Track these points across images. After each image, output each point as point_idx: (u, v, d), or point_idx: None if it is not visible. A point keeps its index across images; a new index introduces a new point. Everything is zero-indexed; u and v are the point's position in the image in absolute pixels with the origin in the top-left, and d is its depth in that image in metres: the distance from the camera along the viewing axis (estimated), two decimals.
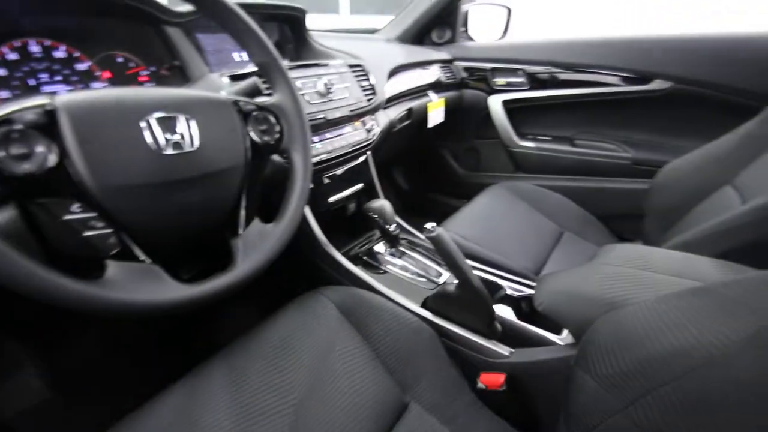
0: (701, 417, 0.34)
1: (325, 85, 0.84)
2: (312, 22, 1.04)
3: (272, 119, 0.55)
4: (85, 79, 0.65)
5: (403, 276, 0.87)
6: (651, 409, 0.39)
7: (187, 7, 0.73)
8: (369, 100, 0.96)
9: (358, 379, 0.56)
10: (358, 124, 0.97)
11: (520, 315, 0.74)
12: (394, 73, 1.17)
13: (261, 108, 0.54)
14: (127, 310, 0.38)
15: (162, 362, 0.98)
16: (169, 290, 0.42)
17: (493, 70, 1.43)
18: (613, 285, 0.54)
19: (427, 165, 1.74)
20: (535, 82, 1.37)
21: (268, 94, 0.58)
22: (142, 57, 0.72)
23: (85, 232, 0.38)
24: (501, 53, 1.43)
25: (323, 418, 0.51)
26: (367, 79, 0.99)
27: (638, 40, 1.21)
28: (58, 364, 0.89)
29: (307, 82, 0.82)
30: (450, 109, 1.41)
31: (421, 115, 1.29)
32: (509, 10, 1.49)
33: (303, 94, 0.80)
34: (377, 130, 1.02)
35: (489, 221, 1.07)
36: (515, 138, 1.43)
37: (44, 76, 0.61)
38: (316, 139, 0.84)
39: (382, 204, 0.90)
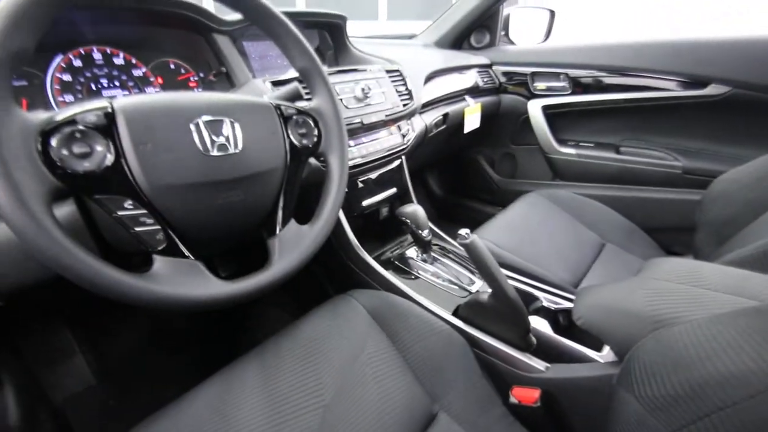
0: None
1: (363, 90, 0.85)
2: (350, 28, 1.06)
3: (311, 123, 0.56)
4: (141, 85, 0.70)
5: (435, 282, 0.86)
6: None
7: (235, 16, 0.77)
8: (405, 104, 0.96)
9: (386, 384, 0.56)
10: (393, 128, 0.97)
11: (556, 328, 0.71)
12: (430, 77, 1.16)
13: (301, 112, 0.55)
14: (172, 304, 0.40)
15: (199, 356, 1.02)
16: (211, 286, 0.43)
17: (534, 74, 1.39)
18: (661, 301, 0.50)
19: (462, 171, 1.72)
20: (577, 86, 1.32)
21: (308, 99, 0.59)
22: (192, 63, 0.76)
23: (136, 227, 0.40)
24: (542, 57, 1.39)
25: (351, 421, 0.51)
26: (404, 84, 0.99)
27: (693, 42, 1.14)
28: (104, 354, 0.95)
29: (345, 87, 0.84)
30: (486, 114, 1.39)
31: (457, 120, 1.27)
32: (552, 13, 1.45)
33: (341, 99, 0.81)
34: (412, 135, 1.02)
35: (525, 229, 1.03)
36: (555, 144, 1.39)
37: (104, 81, 0.66)
38: (351, 143, 0.85)
39: (415, 209, 0.90)
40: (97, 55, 0.66)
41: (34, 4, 0.34)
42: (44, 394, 0.85)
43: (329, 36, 1.05)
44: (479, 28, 1.51)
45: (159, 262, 0.41)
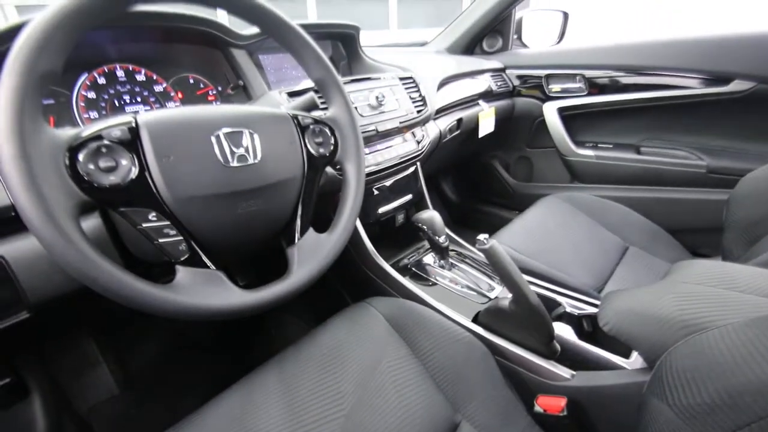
0: None
1: (377, 98, 0.85)
2: (363, 38, 1.07)
3: (328, 132, 0.57)
4: (162, 100, 0.72)
5: (453, 289, 0.85)
6: None
7: (252, 30, 0.78)
8: (419, 111, 0.96)
9: (407, 393, 0.55)
10: (408, 135, 0.97)
11: (581, 335, 0.69)
12: (444, 83, 1.16)
13: (317, 121, 0.56)
14: (195, 314, 0.41)
15: (219, 365, 1.03)
16: (233, 296, 0.44)
17: (548, 76, 1.38)
18: (692, 305, 0.48)
19: (477, 176, 1.70)
20: (593, 87, 1.30)
21: (324, 109, 0.60)
22: (211, 78, 0.78)
23: (160, 239, 0.41)
24: (557, 59, 1.38)
25: (372, 431, 0.50)
26: (418, 91, 0.99)
27: (714, 38, 1.11)
28: (127, 364, 0.97)
29: (359, 96, 0.84)
30: (501, 118, 1.38)
31: (471, 125, 1.26)
32: (566, 15, 1.43)
33: (356, 107, 0.82)
34: (427, 141, 1.02)
35: (545, 233, 1.01)
36: (572, 146, 1.36)
37: (127, 98, 0.68)
38: (367, 150, 0.86)
39: (431, 215, 0.89)
40: (119, 73, 0.68)
41: (58, 28, 0.35)
42: (69, 404, 0.87)
43: (342, 46, 1.07)
44: (491, 33, 1.50)
45: (182, 273, 0.42)
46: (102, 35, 0.66)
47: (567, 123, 1.37)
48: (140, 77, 0.70)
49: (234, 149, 0.45)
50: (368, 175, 0.85)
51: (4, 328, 0.46)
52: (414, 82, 1.00)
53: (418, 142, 0.98)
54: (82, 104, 0.64)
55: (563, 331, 0.69)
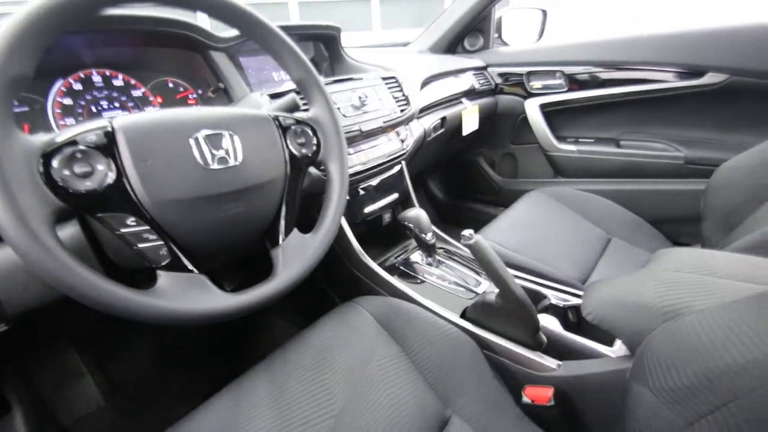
0: None
1: (360, 98, 0.86)
2: (345, 39, 1.07)
3: (310, 132, 0.57)
4: (141, 105, 0.71)
5: (441, 285, 0.85)
6: (719, 427, 0.35)
7: (231, 32, 0.78)
8: (402, 110, 0.97)
9: (397, 390, 0.55)
10: (392, 134, 0.98)
11: (566, 325, 0.71)
12: (426, 82, 1.17)
13: (299, 122, 0.56)
14: (178, 319, 0.40)
15: (206, 371, 1.01)
16: (216, 299, 0.43)
17: (529, 74, 1.40)
18: (671, 292, 0.50)
19: (462, 173, 1.72)
20: (573, 83, 1.33)
21: (306, 109, 0.60)
22: (190, 81, 0.77)
23: (139, 244, 0.41)
24: (537, 56, 1.40)
25: (363, 430, 0.51)
26: (401, 90, 1.00)
27: (688, 33, 1.14)
28: (112, 374, 0.95)
29: (342, 96, 0.84)
30: (484, 115, 1.39)
31: (455, 123, 1.28)
32: (545, 13, 1.46)
33: (338, 108, 0.82)
34: (411, 140, 1.02)
35: (529, 228, 1.03)
36: (554, 142, 1.39)
37: (104, 104, 0.67)
38: (351, 150, 0.86)
39: (418, 213, 0.89)
40: (96, 78, 0.67)
41: (28, 31, 0.35)
42: (53, 417, 0.85)
43: (324, 47, 1.07)
44: (472, 32, 1.52)
45: (163, 278, 0.41)
46: (77, 40, 0.64)
47: (549, 119, 1.39)
48: (118, 82, 0.69)
49: (214, 151, 0.45)
50: (353, 175, 0.86)
51: None
52: (397, 81, 1.01)
53: (403, 141, 0.99)
54: (58, 111, 0.63)
55: (549, 322, 0.70)
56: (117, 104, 0.68)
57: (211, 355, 1.08)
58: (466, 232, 0.62)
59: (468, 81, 1.36)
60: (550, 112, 1.39)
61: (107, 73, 0.68)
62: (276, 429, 0.50)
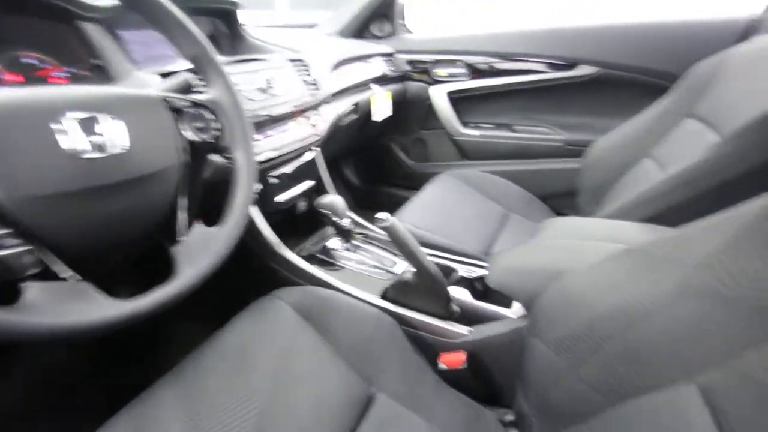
0: (643, 365, 0.38)
1: (267, 80, 0.81)
2: (247, 17, 1.00)
3: (208, 116, 0.52)
4: None
5: (360, 270, 0.87)
6: (599, 366, 0.42)
7: (108, 1, 0.67)
8: (312, 94, 0.94)
9: (321, 378, 0.55)
10: (302, 119, 0.95)
11: (474, 295, 0.77)
12: (337, 66, 1.16)
13: (196, 104, 0.51)
14: (51, 335, 0.34)
15: (105, 390, 0.90)
16: (101, 308, 0.38)
17: (435, 62, 1.47)
18: (556, 255, 0.58)
19: (377, 158, 1.75)
20: (475, 72, 1.43)
21: (202, 91, 0.55)
22: (58, 57, 0.65)
23: None
24: (441, 45, 1.47)
25: (289, 423, 0.50)
26: (309, 74, 0.97)
27: (563, 29, 1.30)
28: None
29: (246, 78, 0.79)
30: (396, 101, 1.43)
31: (368, 108, 1.29)
32: None
33: (242, 91, 0.77)
34: (323, 126, 1.01)
35: (439, 209, 1.10)
36: (459, 127, 1.48)
37: None
38: (260, 137, 0.82)
39: (333, 199, 0.89)
40: None
41: None
42: None
43: (224, 24, 0.98)
44: (380, 18, 1.53)
45: (33, 290, 0.35)
46: None
47: (454, 105, 1.48)
48: None
49: (89, 138, 0.39)
50: (263, 162, 0.82)
51: None
52: (305, 64, 0.98)
53: (314, 126, 0.97)
54: None
55: (459, 293, 0.76)
56: None
57: (109, 372, 0.96)
58: (381, 215, 0.64)
59: (380, 67, 1.37)
60: (455, 99, 1.48)
61: None
62: None
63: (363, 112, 1.26)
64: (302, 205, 1.02)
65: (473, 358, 0.64)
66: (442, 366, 0.64)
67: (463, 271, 0.86)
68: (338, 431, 0.51)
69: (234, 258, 0.52)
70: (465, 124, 1.50)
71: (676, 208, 0.72)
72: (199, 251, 0.49)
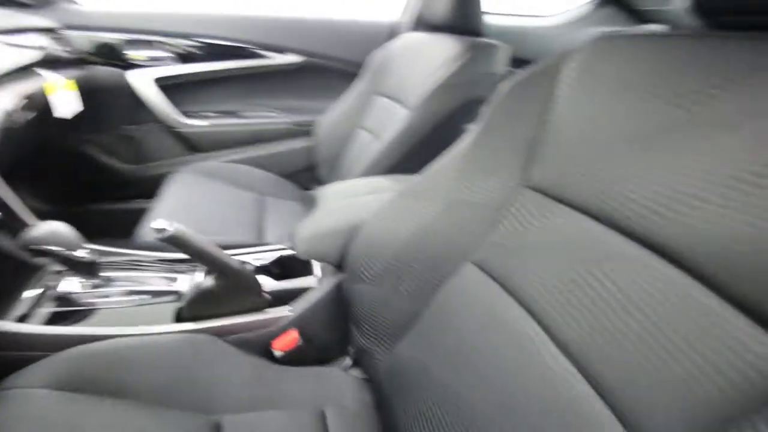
0: (436, 260, 0.53)
1: None
2: None
3: None
4: None
5: (130, 303, 0.70)
6: (411, 294, 0.54)
7: None
8: None
9: None
10: None
11: (275, 278, 0.78)
12: None
13: None
14: None
15: None
16: None
17: (129, 42, 1.22)
18: (346, 214, 0.68)
19: (76, 167, 1.33)
20: (186, 57, 1.30)
21: None
22: None
23: None
24: (130, 22, 1.24)
25: None
26: None
27: (270, 18, 1.38)
28: None
29: None
30: (84, 92, 1.11)
31: (44, 102, 0.95)
32: None
33: None
34: None
35: (193, 208, 1.01)
36: (181, 118, 1.33)
37: None
38: None
39: (52, 227, 0.66)
40: None
41: None
42: None
43: None
44: None
45: None
46: None
47: (169, 94, 1.31)
48: None
49: None
50: None
51: None
52: None
53: None
54: None
55: (264, 281, 0.75)
56: None
57: None
58: (159, 223, 0.55)
59: (41, 46, 1.01)
60: (166, 87, 1.30)
61: None
62: None
63: (41, 107, 0.92)
64: None
65: (304, 331, 0.67)
66: (278, 353, 0.64)
67: (253, 261, 0.84)
68: None
69: None
70: (187, 114, 1.36)
71: (396, 165, 0.98)
72: None
